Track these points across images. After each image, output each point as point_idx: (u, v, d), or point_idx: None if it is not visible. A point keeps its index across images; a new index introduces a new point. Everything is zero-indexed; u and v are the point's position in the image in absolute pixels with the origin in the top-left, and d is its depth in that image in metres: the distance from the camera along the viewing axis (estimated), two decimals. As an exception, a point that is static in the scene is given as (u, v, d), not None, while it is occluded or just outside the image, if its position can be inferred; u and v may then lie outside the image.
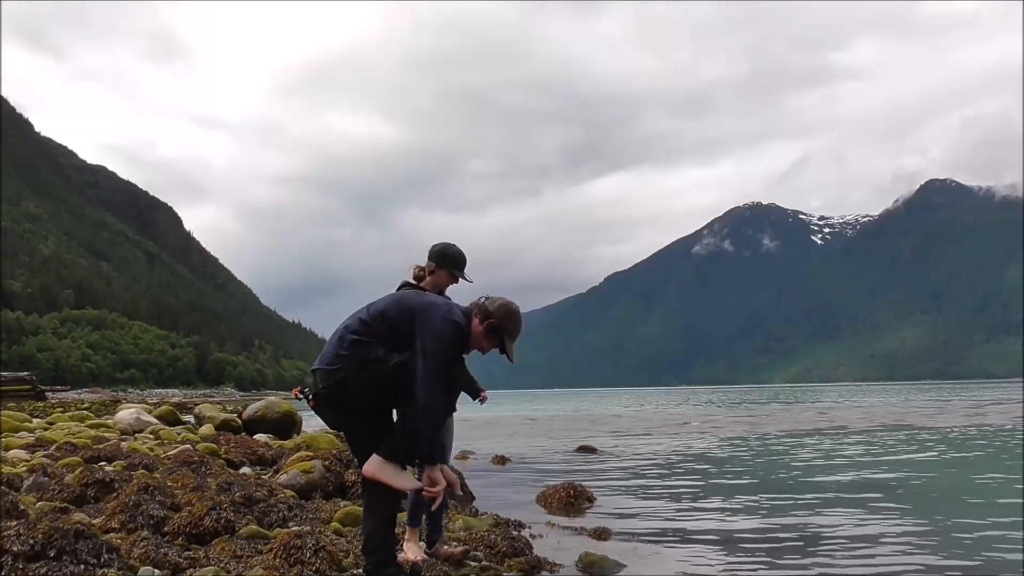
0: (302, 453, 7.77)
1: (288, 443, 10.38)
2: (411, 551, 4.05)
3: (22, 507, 4.75)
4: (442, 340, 3.32)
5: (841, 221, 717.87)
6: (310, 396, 3.45)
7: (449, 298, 3.98)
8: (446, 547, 4.37)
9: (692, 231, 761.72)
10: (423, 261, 4.38)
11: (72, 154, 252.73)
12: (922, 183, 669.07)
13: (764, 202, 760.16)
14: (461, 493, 3.92)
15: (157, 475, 6.56)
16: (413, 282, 4.34)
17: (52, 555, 3.47)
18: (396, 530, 3.69)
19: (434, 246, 4.37)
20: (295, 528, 4.64)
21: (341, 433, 3.61)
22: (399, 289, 4.18)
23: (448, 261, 4.31)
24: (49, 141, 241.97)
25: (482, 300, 3.58)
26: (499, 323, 3.48)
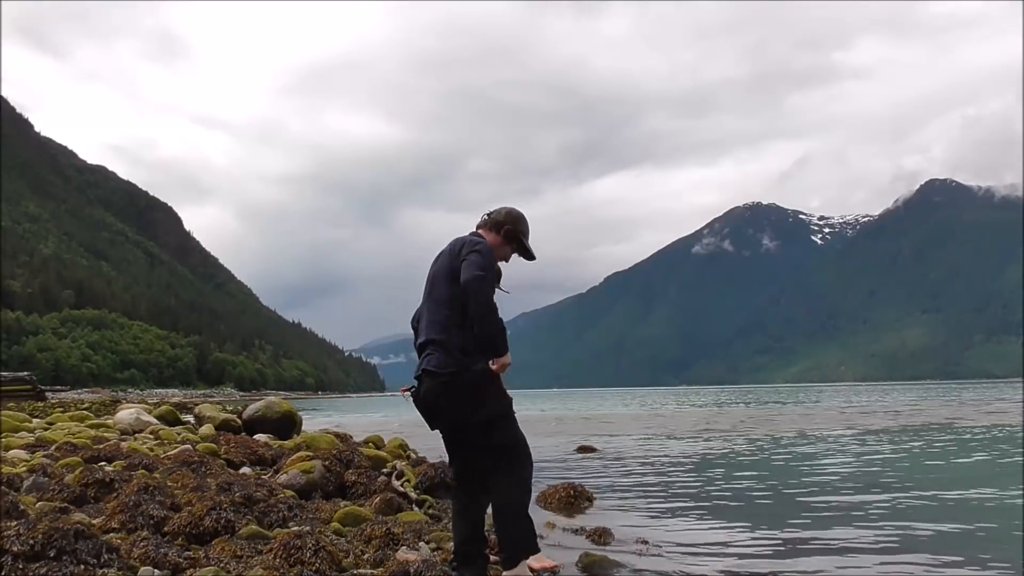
0: (302, 453, 7.77)
1: (288, 443, 10.37)
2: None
3: (22, 507, 4.74)
4: (487, 264, 3.53)
5: (841, 221, 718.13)
6: (413, 395, 3.63)
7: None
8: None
9: (692, 231, 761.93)
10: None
11: (72, 154, 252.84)
12: (922, 183, 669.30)
13: (764, 202, 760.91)
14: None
15: (157, 475, 6.56)
16: None
17: (52, 555, 3.47)
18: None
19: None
20: (295, 528, 4.64)
21: (439, 432, 3.81)
22: None
23: None
24: (49, 141, 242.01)
25: (484, 217, 3.87)
26: (513, 227, 3.81)
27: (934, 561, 4.81)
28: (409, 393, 3.67)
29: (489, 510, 3.88)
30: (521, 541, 3.62)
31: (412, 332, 3.91)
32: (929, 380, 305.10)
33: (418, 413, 3.71)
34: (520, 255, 3.92)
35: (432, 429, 3.74)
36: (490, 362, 3.52)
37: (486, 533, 3.96)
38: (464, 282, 3.40)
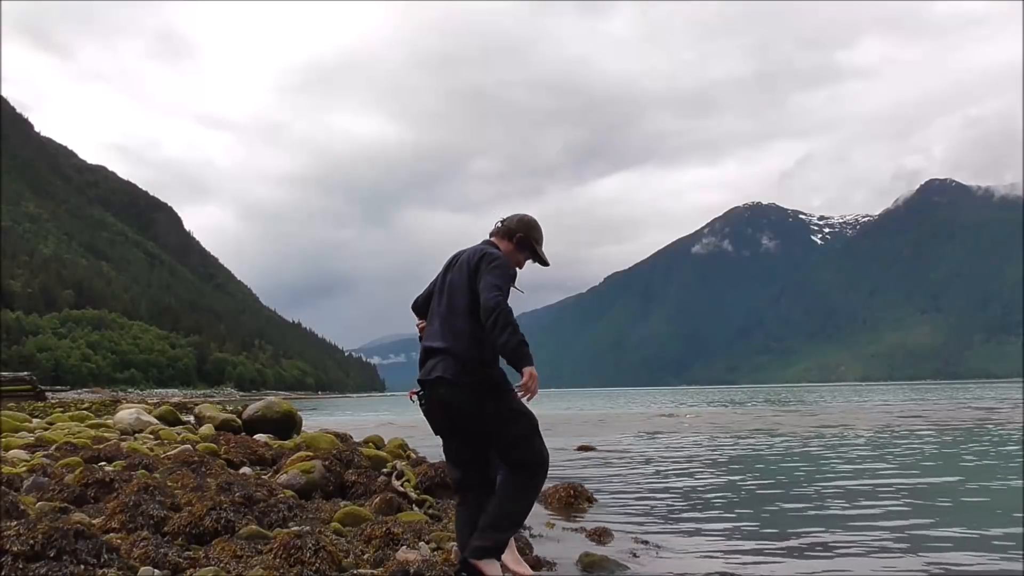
0: (302, 453, 7.77)
1: (288, 443, 10.37)
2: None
3: (22, 507, 4.74)
4: (506, 282, 3.54)
5: (841, 221, 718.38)
6: (423, 401, 3.61)
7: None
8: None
9: (692, 231, 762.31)
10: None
11: (72, 154, 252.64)
12: (922, 183, 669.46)
13: (764, 202, 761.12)
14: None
15: (157, 475, 6.56)
16: None
17: (52, 555, 3.47)
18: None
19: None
20: (295, 528, 4.64)
21: (441, 437, 3.79)
22: None
23: None
24: (49, 141, 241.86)
25: (497, 225, 3.86)
26: (526, 234, 3.80)
27: (937, 562, 4.81)
28: (417, 397, 3.66)
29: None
30: (503, 543, 3.64)
31: (415, 329, 3.93)
32: (929, 380, 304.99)
33: (420, 414, 3.71)
34: (534, 261, 3.93)
35: (437, 435, 3.73)
36: (520, 380, 3.49)
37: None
38: (484, 304, 3.41)
